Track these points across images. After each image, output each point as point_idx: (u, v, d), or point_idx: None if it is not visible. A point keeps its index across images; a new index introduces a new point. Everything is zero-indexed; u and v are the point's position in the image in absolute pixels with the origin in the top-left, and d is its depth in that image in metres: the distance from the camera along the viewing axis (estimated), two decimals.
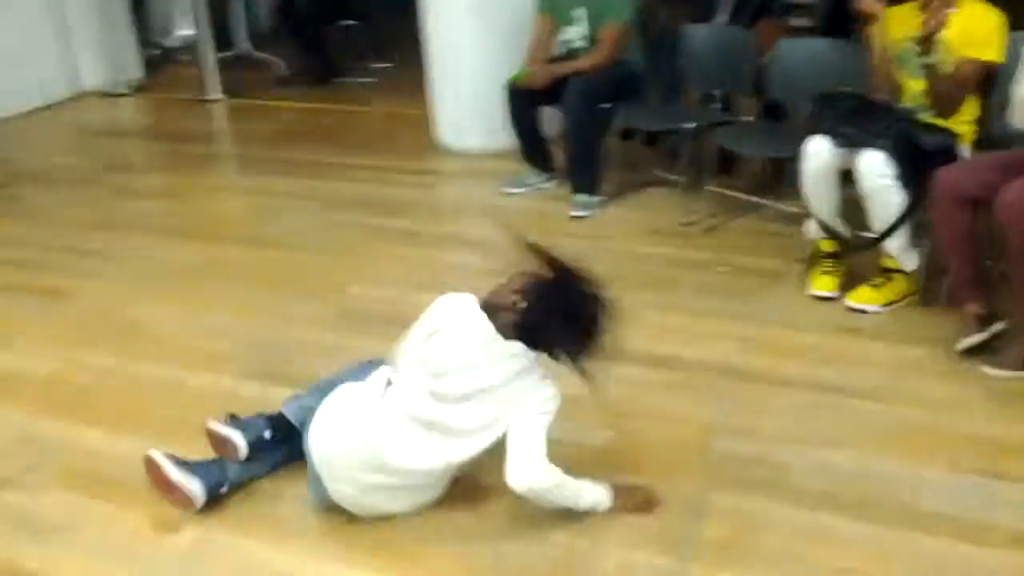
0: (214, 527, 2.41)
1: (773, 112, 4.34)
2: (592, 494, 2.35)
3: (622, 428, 2.73)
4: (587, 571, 2.20)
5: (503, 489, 2.28)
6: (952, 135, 3.19)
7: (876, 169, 3.10)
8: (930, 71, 3.13)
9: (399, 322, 3.31)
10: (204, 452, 2.65)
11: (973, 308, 3.02)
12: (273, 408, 2.62)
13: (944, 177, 2.96)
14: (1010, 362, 2.91)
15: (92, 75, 6.78)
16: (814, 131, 3.30)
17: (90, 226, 4.46)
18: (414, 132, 5.50)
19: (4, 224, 4.53)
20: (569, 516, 2.37)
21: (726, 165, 4.43)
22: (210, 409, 2.84)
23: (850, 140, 3.17)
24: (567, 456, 2.56)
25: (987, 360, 2.95)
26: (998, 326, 3.02)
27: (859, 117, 3.19)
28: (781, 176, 4.37)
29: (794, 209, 3.83)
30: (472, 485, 2.48)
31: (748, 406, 2.82)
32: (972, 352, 2.99)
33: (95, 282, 3.84)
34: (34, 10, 6.35)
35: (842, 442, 2.63)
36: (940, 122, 3.23)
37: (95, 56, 6.77)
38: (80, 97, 6.74)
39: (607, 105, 4.24)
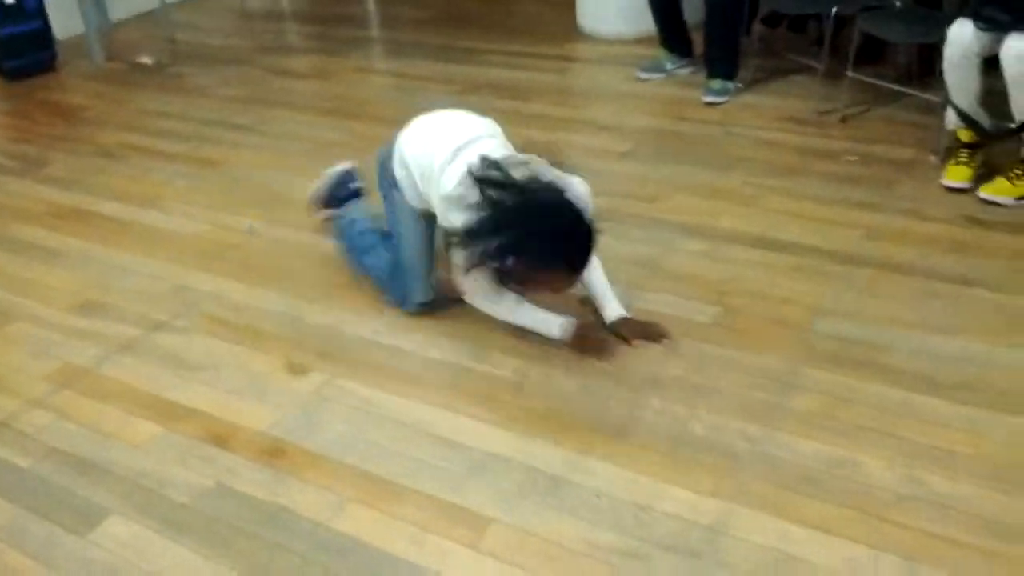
0: (338, 373, 2.62)
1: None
2: (527, 319, 2.64)
3: (727, 304, 2.78)
4: (678, 433, 2.30)
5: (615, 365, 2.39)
6: None
7: (1021, 54, 2.94)
8: None
9: None
10: (338, 309, 2.88)
11: None
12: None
13: None
14: None
15: None
16: (959, 15, 3.14)
17: (243, 102, 4.72)
18: (559, 18, 5.50)
19: (167, 99, 4.85)
20: (662, 384, 2.46)
21: (874, 52, 4.26)
22: (342, 275, 3.07)
23: (996, 24, 3.01)
24: (672, 327, 2.66)
25: None
26: None
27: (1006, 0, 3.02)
28: (931, 65, 4.18)
29: (931, 97, 3.69)
30: (572, 356, 2.60)
31: (859, 291, 2.80)
32: None
33: (244, 153, 4.10)
34: None
35: (950, 329, 2.60)
36: None
37: None
38: None
39: None
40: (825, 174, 3.53)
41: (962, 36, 3.11)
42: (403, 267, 2.81)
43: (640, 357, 2.58)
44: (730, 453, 2.22)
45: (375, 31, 6.11)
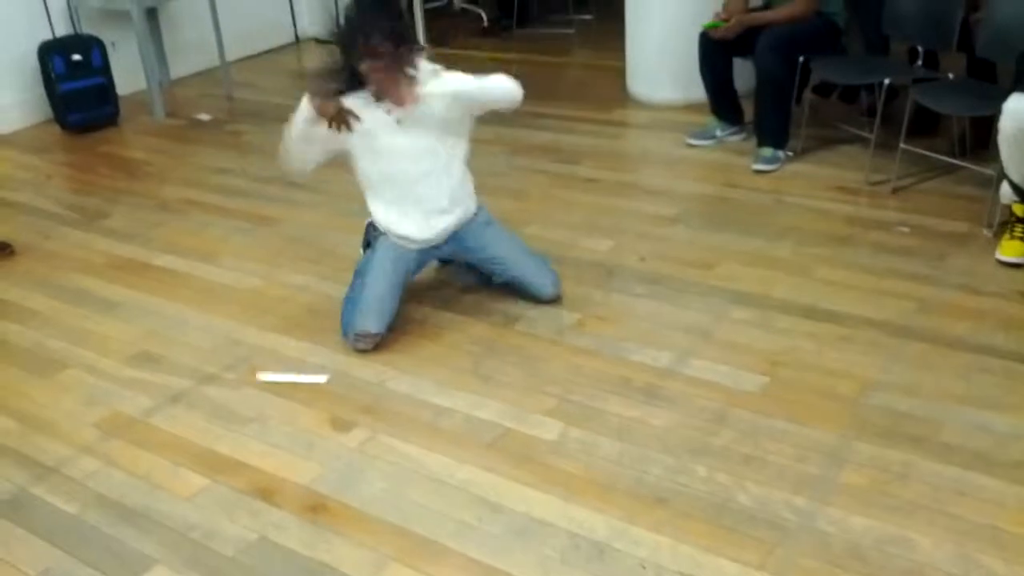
0: (382, 430, 2.63)
1: (981, 71, 4.11)
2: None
3: (778, 375, 2.76)
4: (723, 502, 2.27)
5: (647, 422, 2.39)
6: None
7: None
8: None
9: (571, 262, 3.47)
10: (382, 364, 2.90)
11: None
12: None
13: None
14: None
15: (310, 22, 7.22)
16: (1015, 89, 3.14)
17: None
18: (608, 83, 5.56)
19: (225, 155, 4.97)
20: (708, 452, 2.44)
21: (927, 124, 4.25)
22: (390, 332, 3.10)
23: None
24: (722, 395, 2.65)
25: None
26: None
27: None
28: (985, 138, 4.16)
29: (985, 170, 3.66)
30: (616, 421, 2.59)
31: (911, 364, 2.77)
32: None
33: (300, 211, 4.17)
34: None
35: (1005, 407, 2.55)
36: None
37: (312, 5, 7.20)
38: (299, 43, 7.20)
39: (802, 57, 4.15)
40: (876, 244, 3.51)
41: (1018, 110, 3.09)
42: (360, 295, 3.00)
43: (686, 424, 2.57)
44: (778, 525, 2.18)
45: None
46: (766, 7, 4.37)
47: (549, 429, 2.59)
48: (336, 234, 3.89)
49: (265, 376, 2.89)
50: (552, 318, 3.12)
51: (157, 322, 3.29)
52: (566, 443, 2.53)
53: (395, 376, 2.88)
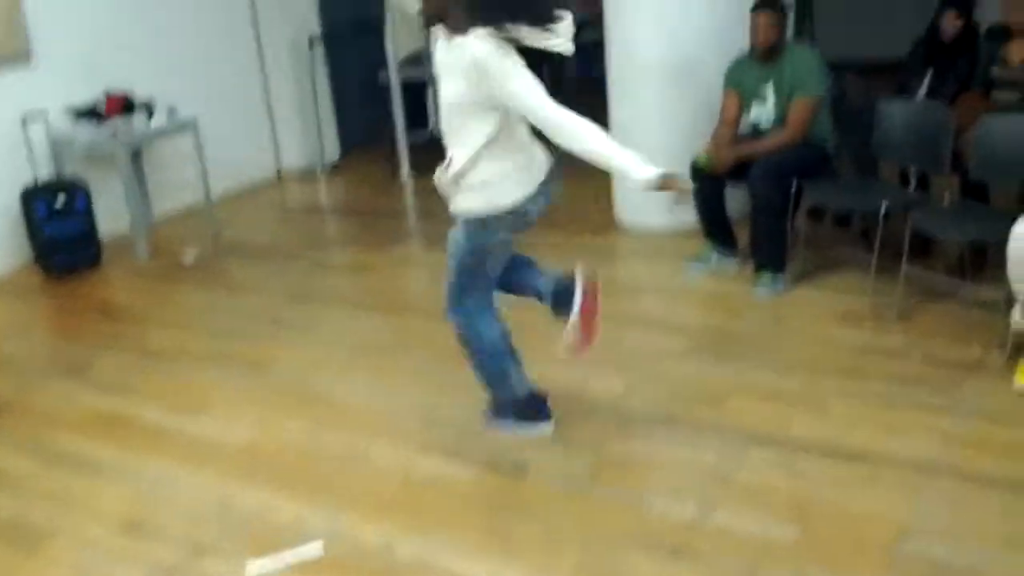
0: None
1: (973, 192, 4.12)
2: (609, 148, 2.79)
3: (807, 523, 2.62)
4: None
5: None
6: None
7: None
8: None
9: (581, 401, 3.36)
10: (390, 525, 2.74)
11: None
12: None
13: None
14: None
15: (293, 157, 7.23)
16: (1018, 210, 3.11)
17: (288, 298, 4.71)
18: (596, 209, 5.54)
19: (212, 296, 4.86)
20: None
21: (923, 247, 4.23)
22: (391, 485, 2.95)
23: None
24: (752, 548, 2.50)
25: None
26: None
27: None
28: (983, 260, 4.14)
29: (997, 295, 3.61)
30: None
31: (943, 505, 2.65)
32: None
33: (290, 352, 4.04)
34: (243, 101, 6.87)
35: None
36: None
37: (296, 140, 7.23)
38: (282, 178, 7.20)
39: (795, 183, 4.15)
40: (889, 374, 3.42)
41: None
42: None
43: None
44: None
45: (413, 223, 6.19)
46: (753, 134, 4.39)
47: None
48: (330, 377, 3.76)
49: (255, 567, 2.67)
50: (565, 465, 2.98)
51: (146, 484, 3.11)
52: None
53: (402, 538, 2.71)
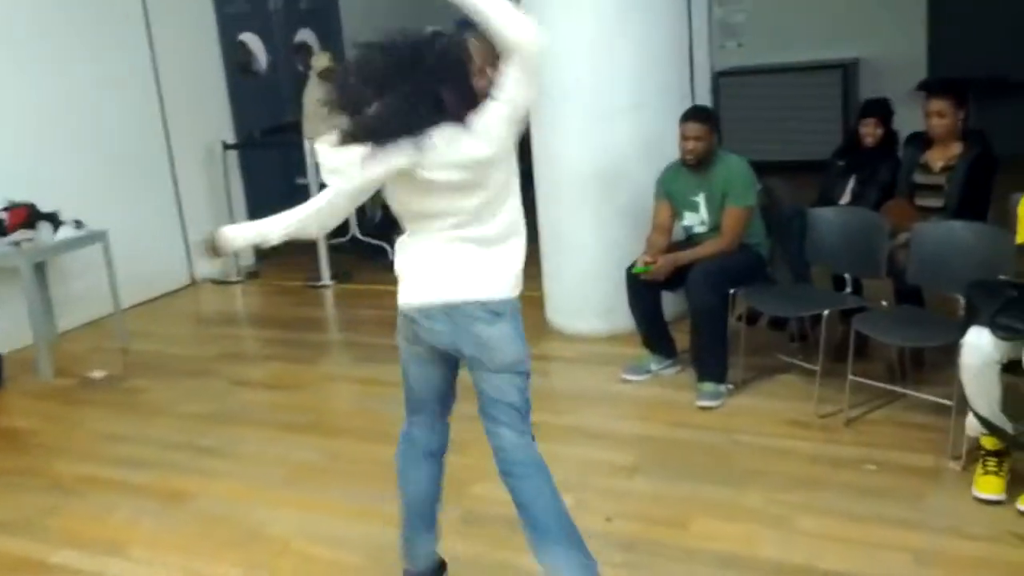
0: None
1: (908, 296, 4.14)
2: None
3: None
4: None
5: None
6: None
7: None
8: None
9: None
10: None
11: None
12: None
13: None
14: None
15: (207, 265, 6.95)
16: (971, 322, 3.11)
17: (207, 420, 4.42)
18: (527, 315, 5.39)
19: (124, 419, 4.52)
20: None
21: (858, 350, 4.21)
22: None
23: (1014, 331, 2.96)
24: None
25: None
26: None
27: (1021, 307, 2.99)
28: (920, 363, 4.15)
29: (943, 400, 3.58)
30: None
31: None
32: None
33: (215, 482, 3.76)
34: (154, 209, 6.60)
35: None
36: None
37: None
38: (196, 286, 6.90)
39: (732, 290, 4.12)
40: (848, 486, 3.33)
41: (980, 346, 3.05)
42: None
43: None
44: None
45: (337, 334, 5.98)
46: (687, 241, 4.37)
47: None
48: (261, 509, 3.49)
49: None
50: None
51: None
52: None
53: None
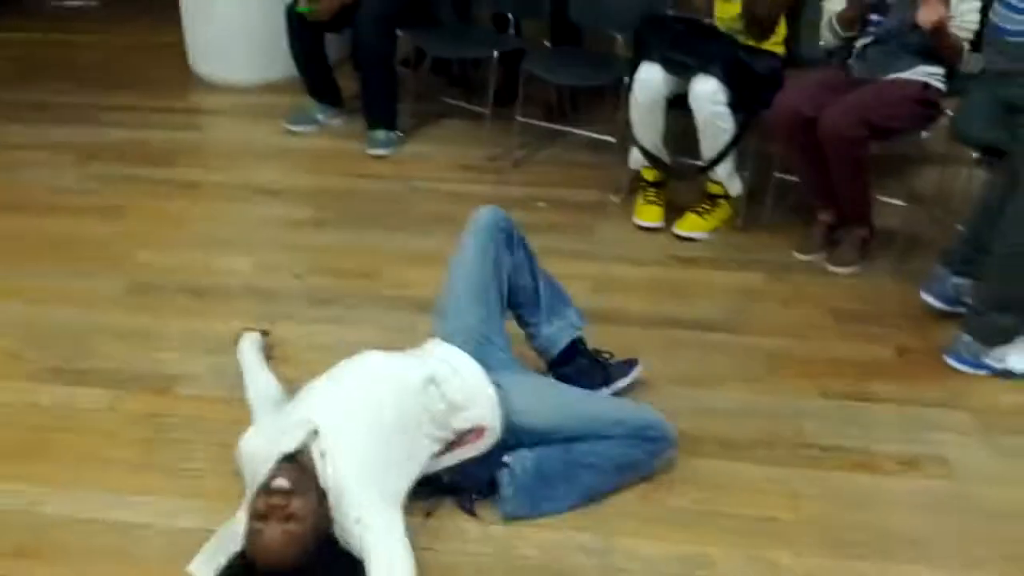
0: None
1: (566, 37, 4.17)
2: None
3: None
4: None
5: None
6: (778, 57, 3.19)
7: (711, 96, 3.05)
8: None
9: (212, 292, 2.95)
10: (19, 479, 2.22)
11: (825, 217, 3.18)
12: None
13: (784, 100, 2.95)
14: (848, 258, 3.11)
15: None
16: (642, 57, 3.19)
17: None
18: (165, 64, 4.87)
19: None
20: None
21: (511, 92, 4.22)
22: (4, 424, 2.38)
23: (683, 68, 3.09)
24: None
25: (829, 259, 3.15)
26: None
27: (689, 42, 3.11)
28: (576, 104, 4.28)
29: (605, 137, 3.73)
30: None
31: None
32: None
33: None
34: None
35: (714, 381, 2.60)
36: (762, 45, 3.21)
37: None
38: None
39: (399, 32, 3.92)
40: (526, 225, 3.38)
41: (651, 80, 3.15)
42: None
43: None
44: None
45: None
46: None
47: None
48: None
49: None
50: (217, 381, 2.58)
51: None
52: None
53: (43, 493, 2.20)
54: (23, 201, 3.57)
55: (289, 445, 1.89)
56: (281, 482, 1.79)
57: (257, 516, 1.78)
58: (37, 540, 2.08)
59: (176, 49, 4.83)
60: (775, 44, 3.24)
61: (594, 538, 2.07)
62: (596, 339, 2.69)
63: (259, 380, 2.39)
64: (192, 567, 1.92)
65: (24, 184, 3.71)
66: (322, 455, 1.89)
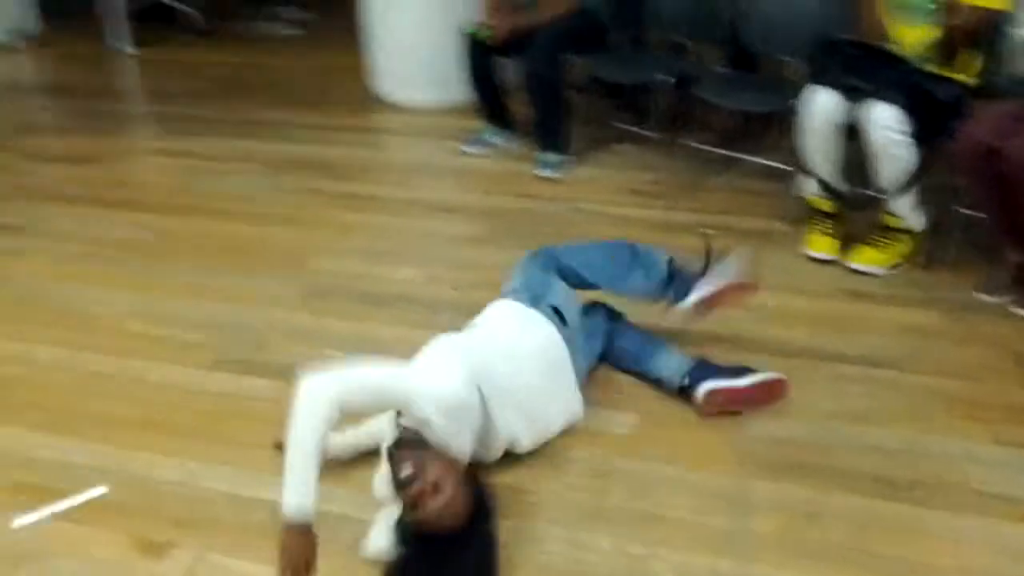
0: (211, 546, 2.12)
1: (742, 62, 4.12)
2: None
3: (646, 411, 2.52)
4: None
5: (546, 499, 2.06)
6: (962, 85, 3.03)
7: (888, 123, 2.92)
8: (941, 17, 2.96)
9: (378, 299, 3.07)
10: (185, 457, 2.36)
11: (1016, 257, 2.97)
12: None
13: (969, 129, 2.80)
14: None
15: None
16: (817, 82, 3.10)
17: (3, 196, 3.99)
18: (349, 85, 5.13)
19: None
20: (604, 517, 2.16)
21: (693, 119, 4.21)
22: (178, 406, 2.55)
23: (859, 92, 2.98)
24: (592, 443, 2.37)
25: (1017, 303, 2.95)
26: None
27: (866, 67, 3.00)
28: (751, 131, 4.21)
29: (778, 164, 3.66)
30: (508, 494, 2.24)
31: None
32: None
33: (22, 262, 3.42)
34: None
35: (878, 419, 2.47)
36: (946, 72, 3.07)
37: None
38: None
39: (572, 57, 3.98)
40: (687, 249, 3.37)
41: (825, 105, 3.06)
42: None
43: (567, 484, 2.27)
44: None
45: (143, 105, 5.46)
46: (526, 4, 4.14)
47: None
48: (77, 287, 3.22)
49: (22, 521, 2.22)
50: None
51: None
52: None
53: (205, 472, 2.35)
54: (216, 207, 3.82)
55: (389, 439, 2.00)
56: (407, 470, 1.85)
57: (412, 507, 1.85)
58: (194, 512, 2.21)
59: (359, 72, 5.07)
60: (965, 73, 3.09)
61: (732, 564, 2.02)
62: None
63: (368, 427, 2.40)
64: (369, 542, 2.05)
65: (218, 192, 3.98)
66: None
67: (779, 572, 2.00)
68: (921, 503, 2.18)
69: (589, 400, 2.49)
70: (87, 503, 2.25)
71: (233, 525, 2.18)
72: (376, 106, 4.96)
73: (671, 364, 2.56)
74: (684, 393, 2.51)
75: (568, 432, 2.43)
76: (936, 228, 3.21)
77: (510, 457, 2.33)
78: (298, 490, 1.85)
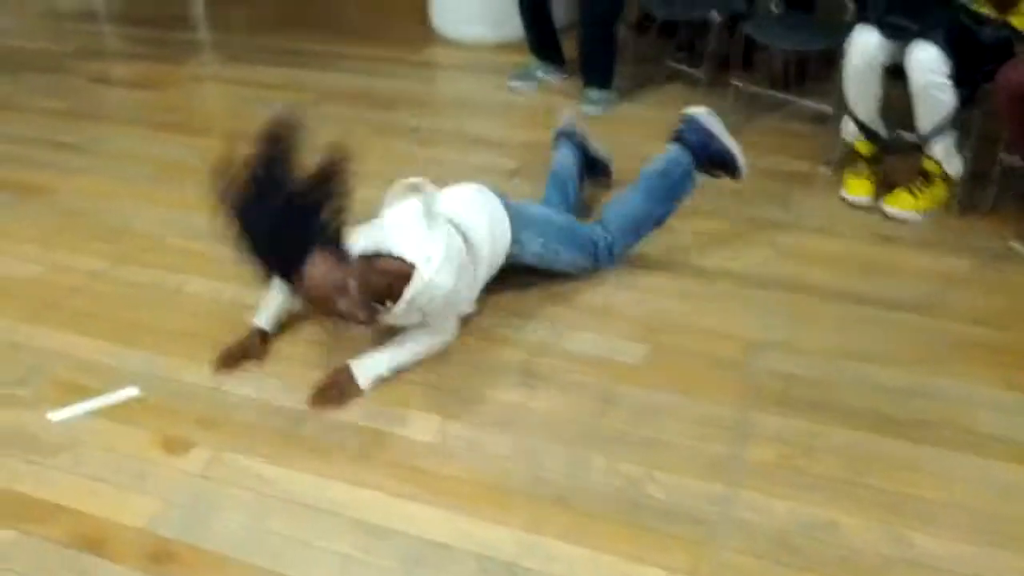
0: (228, 446, 2.24)
1: (797, 2, 4.05)
2: None
3: (656, 342, 2.56)
4: (635, 498, 2.05)
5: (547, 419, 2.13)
6: (1011, 28, 2.95)
7: (930, 65, 2.87)
8: None
9: None
10: (209, 372, 2.48)
11: None
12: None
13: (1008, 72, 2.74)
14: None
15: None
16: (860, 21, 3.05)
17: (65, 117, 4.15)
18: (407, 20, 5.16)
19: None
20: (603, 439, 2.21)
21: (745, 59, 4.16)
22: (211, 324, 2.66)
23: (902, 32, 2.93)
24: (602, 370, 2.42)
25: None
26: None
27: (911, 7, 2.94)
28: (805, 71, 4.14)
29: (822, 107, 3.61)
30: (510, 411, 2.32)
31: (784, 318, 2.64)
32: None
33: (76, 178, 3.57)
34: None
35: (889, 359, 2.47)
36: (995, 14, 2.98)
37: None
38: None
39: None
40: (722, 189, 3.37)
41: (867, 45, 3.01)
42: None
43: (570, 406, 2.33)
44: (699, 519, 1.99)
45: (206, 34, 5.57)
46: None
47: (426, 429, 2.28)
48: (128, 205, 3.35)
49: (59, 415, 2.37)
50: None
51: None
52: (446, 442, 2.23)
53: (231, 378, 2.46)
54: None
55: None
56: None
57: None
58: (218, 415, 2.34)
59: (418, 8, 5.10)
60: (1018, 16, 3.00)
61: (722, 488, 2.06)
62: (767, 304, 2.66)
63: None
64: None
65: (259, 117, 4.06)
66: None
67: (769, 500, 2.04)
68: (921, 441, 2.19)
69: (595, 329, 2.55)
70: (120, 402, 2.38)
71: (252, 428, 2.29)
72: (432, 42, 4.99)
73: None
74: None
75: (578, 358, 2.48)
76: (974, 176, 3.15)
77: (513, 376, 2.41)
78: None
